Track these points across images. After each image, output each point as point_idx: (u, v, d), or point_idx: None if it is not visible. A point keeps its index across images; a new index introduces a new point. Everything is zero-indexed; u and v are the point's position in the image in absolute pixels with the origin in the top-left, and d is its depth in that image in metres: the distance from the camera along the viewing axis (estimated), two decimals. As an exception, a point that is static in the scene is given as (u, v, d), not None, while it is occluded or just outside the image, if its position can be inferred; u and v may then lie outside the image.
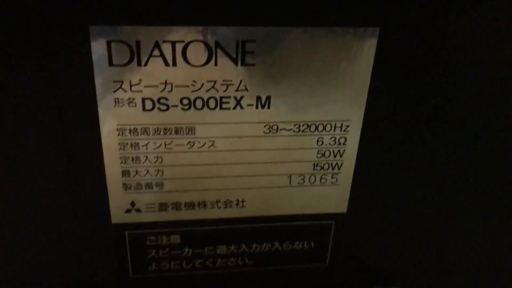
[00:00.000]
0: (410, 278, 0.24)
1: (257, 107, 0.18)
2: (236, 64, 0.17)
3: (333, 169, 0.20)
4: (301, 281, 0.23)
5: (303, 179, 0.20)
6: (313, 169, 0.20)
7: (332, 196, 0.21)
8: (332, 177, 0.20)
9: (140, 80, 0.17)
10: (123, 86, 0.17)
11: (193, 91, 0.17)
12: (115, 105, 0.17)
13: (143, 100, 0.17)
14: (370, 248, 0.22)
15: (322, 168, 0.20)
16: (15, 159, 0.18)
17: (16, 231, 0.19)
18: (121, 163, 0.18)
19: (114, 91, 0.17)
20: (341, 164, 0.20)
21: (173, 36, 0.16)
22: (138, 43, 0.16)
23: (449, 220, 0.23)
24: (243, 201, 0.20)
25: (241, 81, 0.17)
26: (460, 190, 0.22)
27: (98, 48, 0.16)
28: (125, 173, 0.18)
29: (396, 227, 0.22)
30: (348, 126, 0.19)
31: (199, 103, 0.18)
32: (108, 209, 0.19)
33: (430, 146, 0.20)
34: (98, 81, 0.17)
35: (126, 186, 0.19)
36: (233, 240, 0.21)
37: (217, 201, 0.20)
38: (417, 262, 0.23)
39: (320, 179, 0.20)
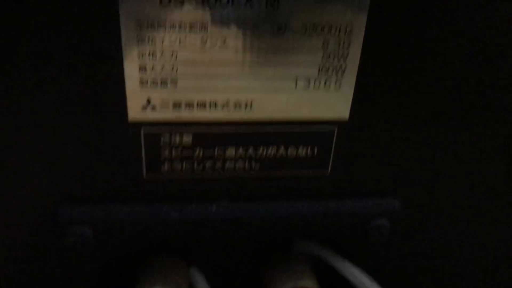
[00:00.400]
0: (409, 190, 0.25)
1: (266, 6, 0.19)
2: (248, -41, 0.18)
3: (337, 74, 0.21)
4: (304, 187, 0.24)
5: (308, 83, 0.21)
6: (318, 73, 0.21)
7: (335, 102, 0.22)
8: (335, 83, 0.21)
9: (158, -27, 0.18)
10: (141, -21, 0.18)
11: (207, -13, 0.18)
12: (134, -1, 0.18)
13: (160, -6, 0.18)
14: (370, 158, 0.24)
15: (326, 72, 0.21)
16: (35, 52, 0.19)
17: (32, 122, 0.21)
18: (138, 58, 0.19)
19: (133, -16, 0.18)
20: (345, 68, 0.21)
21: None
22: None
23: (453, 133, 0.24)
24: (251, 104, 0.21)
25: (252, -23, 0.18)
26: (466, 102, 0.23)
27: None
28: (142, 68, 0.20)
29: (397, 138, 0.23)
30: (351, 30, 0.20)
31: (212, -1, 0.19)
32: (125, 106, 0.20)
33: (435, 54, 0.21)
34: (118, -27, 0.18)
35: (142, 82, 0.20)
36: (241, 143, 0.22)
37: (227, 102, 0.21)
38: (417, 175, 0.25)
39: (325, 83, 0.21)
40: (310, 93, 0.21)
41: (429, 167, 0.25)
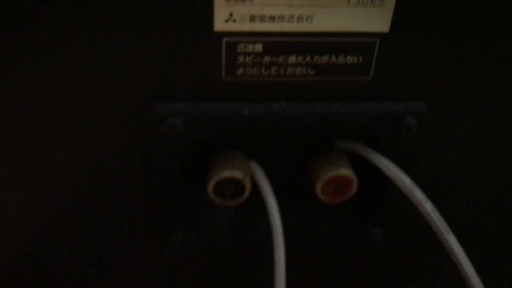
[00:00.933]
0: (435, 96, 0.30)
1: None
2: None
3: (382, -8, 0.26)
4: (349, 90, 0.29)
5: (358, 0, 0.26)
6: (367, -9, 0.26)
7: (379, 17, 0.27)
8: (380, 0, 0.26)
9: None
10: None
11: None
12: None
13: None
14: (405, 67, 0.29)
15: (374, -10, 0.26)
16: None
17: (133, 30, 0.26)
18: (225, -22, 0.24)
19: None
20: (389, -13, 0.26)
21: None
22: None
23: (486, 49, 0.28)
24: (312, 17, 0.26)
25: None
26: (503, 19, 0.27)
27: None
28: (227, -13, 0.25)
29: (430, 52, 0.28)
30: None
31: None
32: (212, 19, 0.26)
33: None
34: None
35: (227, -1, 0.25)
36: (301, 52, 0.28)
37: (292, 16, 0.26)
38: (444, 83, 0.30)
39: (371, 0, 0.26)
40: (359, 9, 0.26)
41: (455, 77, 0.30)
